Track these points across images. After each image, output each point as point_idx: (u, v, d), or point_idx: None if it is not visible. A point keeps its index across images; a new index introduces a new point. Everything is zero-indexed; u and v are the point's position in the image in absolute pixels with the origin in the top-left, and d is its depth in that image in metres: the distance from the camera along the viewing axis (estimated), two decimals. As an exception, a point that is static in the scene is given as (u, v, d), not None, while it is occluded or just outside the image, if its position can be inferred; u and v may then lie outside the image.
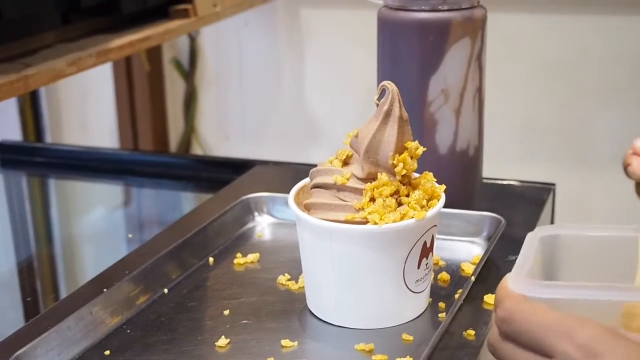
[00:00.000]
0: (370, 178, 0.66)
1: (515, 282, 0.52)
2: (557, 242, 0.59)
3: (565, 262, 0.59)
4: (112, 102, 1.59)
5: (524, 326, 0.50)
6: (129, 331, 0.67)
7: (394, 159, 0.65)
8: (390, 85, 0.66)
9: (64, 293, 0.93)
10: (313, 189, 0.68)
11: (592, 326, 0.48)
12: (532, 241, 0.57)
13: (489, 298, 0.70)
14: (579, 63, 1.32)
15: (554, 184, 0.94)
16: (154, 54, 1.56)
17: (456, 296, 0.71)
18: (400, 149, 0.66)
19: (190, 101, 1.61)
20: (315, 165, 0.69)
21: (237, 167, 1.09)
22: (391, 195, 0.65)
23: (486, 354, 0.65)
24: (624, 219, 1.32)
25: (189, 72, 1.60)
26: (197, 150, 1.64)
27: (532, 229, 0.83)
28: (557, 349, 0.48)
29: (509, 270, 0.75)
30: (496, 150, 1.07)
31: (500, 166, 1.06)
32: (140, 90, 1.57)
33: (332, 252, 0.65)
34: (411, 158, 0.66)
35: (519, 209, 0.89)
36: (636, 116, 1.35)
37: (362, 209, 0.65)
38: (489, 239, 0.80)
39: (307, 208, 0.68)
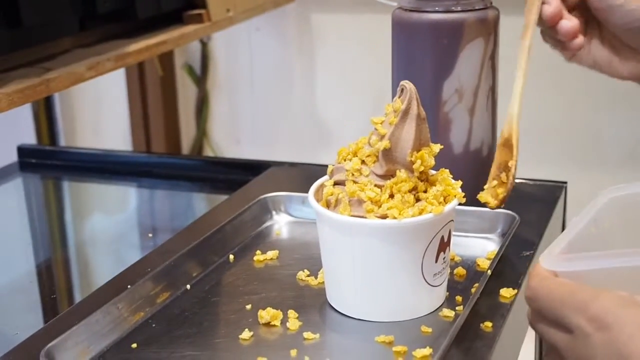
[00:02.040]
0: (389, 175, 0.67)
1: (544, 258, 0.51)
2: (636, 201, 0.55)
3: None
4: (125, 107, 1.61)
5: (545, 303, 0.50)
6: (154, 325, 0.69)
7: (412, 156, 0.67)
8: (408, 84, 0.68)
9: (81, 294, 0.94)
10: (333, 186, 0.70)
11: (604, 297, 0.47)
12: (590, 209, 0.55)
13: (505, 292, 0.71)
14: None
15: (565, 182, 0.96)
16: (167, 59, 1.57)
17: (472, 290, 0.72)
18: (418, 147, 0.67)
19: (202, 106, 1.63)
20: (333, 165, 0.70)
21: (250, 169, 1.11)
22: (409, 191, 0.67)
23: (502, 344, 0.66)
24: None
25: (200, 77, 1.62)
26: (208, 153, 1.66)
27: (545, 226, 0.85)
28: (573, 324, 0.48)
29: (524, 265, 0.77)
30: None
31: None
32: (152, 94, 1.59)
33: (353, 246, 0.67)
34: (428, 155, 0.67)
35: (532, 206, 0.90)
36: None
37: (382, 204, 0.66)
38: (503, 235, 0.82)
39: (327, 205, 0.69)
